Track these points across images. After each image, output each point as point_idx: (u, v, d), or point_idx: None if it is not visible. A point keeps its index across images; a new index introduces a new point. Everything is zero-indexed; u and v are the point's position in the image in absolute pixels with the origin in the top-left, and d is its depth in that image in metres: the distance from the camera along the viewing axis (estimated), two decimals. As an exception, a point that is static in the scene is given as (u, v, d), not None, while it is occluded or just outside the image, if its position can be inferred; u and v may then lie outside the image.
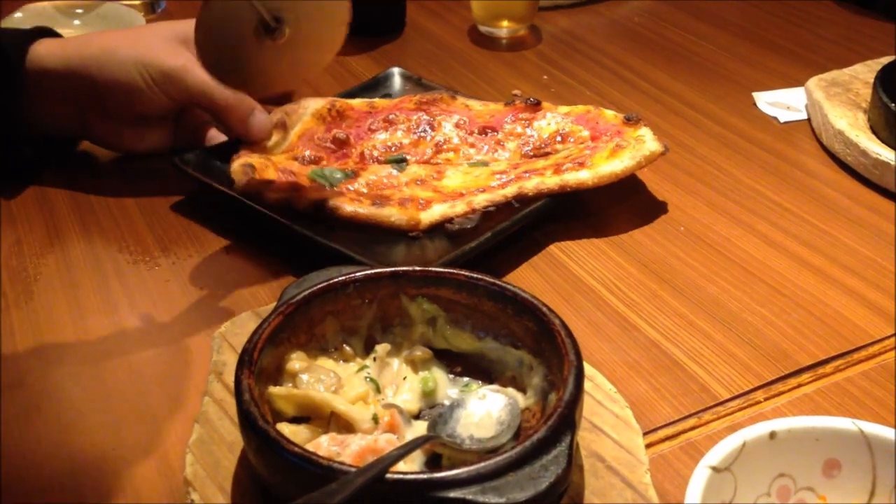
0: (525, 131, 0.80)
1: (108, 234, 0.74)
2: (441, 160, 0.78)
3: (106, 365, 0.61)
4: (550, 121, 0.81)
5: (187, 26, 0.77)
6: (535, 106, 0.82)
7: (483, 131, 0.81)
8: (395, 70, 0.92)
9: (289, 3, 0.64)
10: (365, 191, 0.73)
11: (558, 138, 0.79)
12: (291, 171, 0.74)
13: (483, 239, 0.67)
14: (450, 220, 0.70)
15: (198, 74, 0.73)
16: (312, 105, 0.82)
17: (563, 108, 0.82)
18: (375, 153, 0.79)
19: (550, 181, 0.71)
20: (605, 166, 0.72)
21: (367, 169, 0.77)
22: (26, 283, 0.68)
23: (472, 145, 0.80)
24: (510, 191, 0.71)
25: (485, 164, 0.77)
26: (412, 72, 0.92)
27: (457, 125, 0.81)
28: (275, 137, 0.78)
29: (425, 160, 0.78)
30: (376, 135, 0.81)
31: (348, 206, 0.69)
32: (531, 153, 0.78)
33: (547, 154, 0.78)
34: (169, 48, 0.74)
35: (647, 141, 0.74)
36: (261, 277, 0.68)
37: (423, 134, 0.81)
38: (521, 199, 0.71)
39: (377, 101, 0.85)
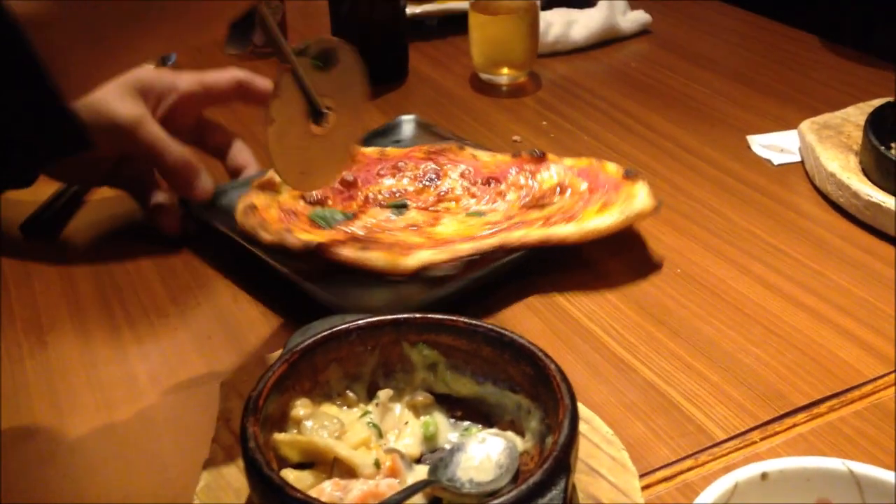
0: (528, 182, 0.81)
1: (120, 284, 0.76)
2: (441, 208, 0.80)
3: (117, 413, 0.62)
4: (553, 173, 0.81)
5: (148, 73, 0.75)
6: (540, 158, 0.82)
7: (487, 182, 0.82)
8: (406, 118, 0.94)
9: (329, 90, 0.68)
10: (361, 233, 0.76)
11: (558, 190, 0.79)
12: (294, 211, 0.77)
13: (458, 287, 0.69)
14: (433, 266, 0.71)
15: (150, 130, 0.72)
16: None
17: (568, 161, 0.82)
18: (380, 197, 0.81)
19: (534, 234, 0.72)
20: (592, 221, 0.72)
21: (368, 212, 0.79)
22: (40, 334, 0.70)
23: (474, 195, 0.81)
24: (494, 241, 0.72)
25: (481, 213, 0.79)
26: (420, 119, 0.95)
27: (462, 175, 0.83)
28: None
29: (425, 207, 0.80)
30: (384, 180, 0.83)
31: (336, 249, 0.72)
32: (529, 204, 0.79)
33: (543, 206, 0.78)
34: (124, 97, 0.71)
35: (638, 197, 0.74)
36: (267, 324, 0.70)
37: (428, 182, 0.83)
38: (505, 250, 0.71)
39: (388, 149, 0.87)
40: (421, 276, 0.70)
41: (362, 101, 0.72)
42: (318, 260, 0.71)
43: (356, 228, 0.76)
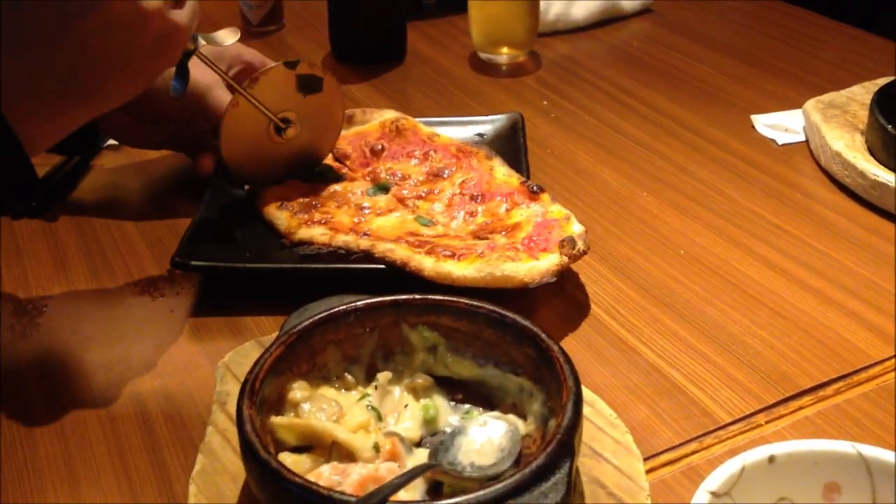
0: (499, 212, 0.75)
1: (113, 265, 0.75)
2: (410, 204, 0.77)
3: (111, 395, 0.61)
4: (526, 213, 0.73)
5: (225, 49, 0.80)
6: (534, 194, 0.75)
7: (474, 198, 0.77)
8: (508, 115, 0.90)
9: (294, 106, 0.76)
10: (316, 196, 0.77)
11: (510, 229, 0.72)
12: None
13: (281, 266, 0.71)
14: (310, 243, 0.72)
15: (218, 94, 0.78)
16: (387, 114, 0.87)
17: (553, 206, 0.73)
18: (382, 174, 0.80)
19: (399, 253, 0.68)
20: (449, 266, 0.66)
21: (356, 181, 0.79)
22: (32, 316, 0.69)
23: (450, 204, 0.77)
24: (364, 244, 0.70)
25: (429, 223, 0.74)
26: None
27: (462, 183, 0.79)
28: None
29: (402, 198, 0.78)
30: (409, 160, 0.82)
31: (265, 201, 0.76)
32: (477, 233, 0.73)
33: (486, 238, 0.72)
34: (200, 65, 0.74)
35: (529, 265, 0.65)
36: (264, 306, 0.69)
37: (433, 177, 0.80)
38: (370, 255, 0.69)
39: (439, 136, 0.85)
40: (299, 248, 0.72)
41: (337, 119, 0.81)
42: (256, 200, 0.78)
43: (329, 191, 0.78)
